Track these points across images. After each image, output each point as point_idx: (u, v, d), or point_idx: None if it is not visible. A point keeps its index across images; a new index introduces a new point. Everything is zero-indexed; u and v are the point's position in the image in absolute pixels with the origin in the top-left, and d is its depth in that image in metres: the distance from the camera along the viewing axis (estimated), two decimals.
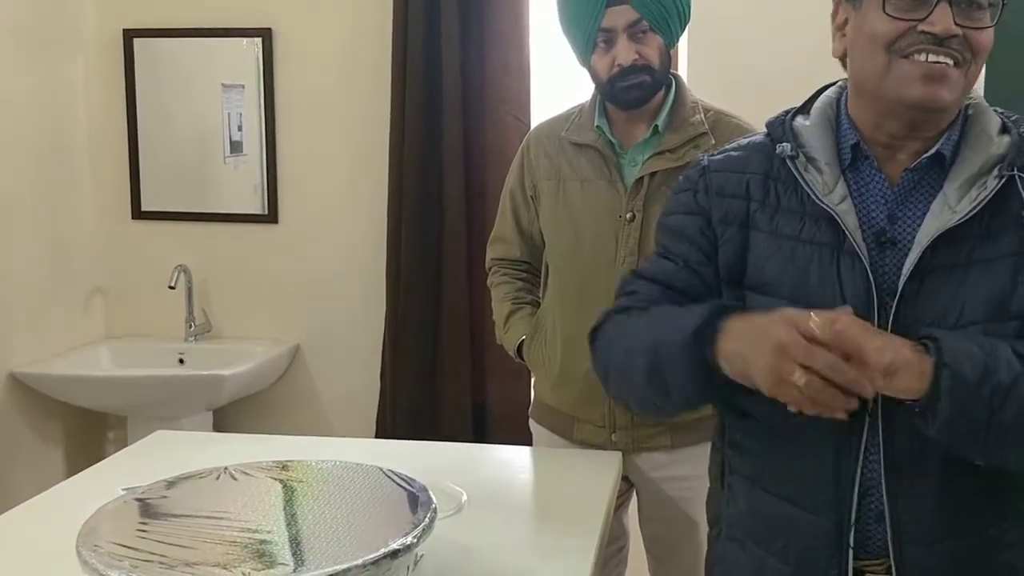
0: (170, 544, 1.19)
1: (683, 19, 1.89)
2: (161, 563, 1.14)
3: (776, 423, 1.21)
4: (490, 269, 2.19)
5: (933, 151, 1.19)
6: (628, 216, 1.88)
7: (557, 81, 2.94)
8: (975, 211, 1.14)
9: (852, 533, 1.19)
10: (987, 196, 1.15)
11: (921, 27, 1.12)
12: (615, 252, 1.90)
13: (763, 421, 1.25)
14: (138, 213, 3.23)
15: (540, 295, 2.10)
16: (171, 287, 3.08)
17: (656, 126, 1.90)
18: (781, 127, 1.28)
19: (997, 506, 1.19)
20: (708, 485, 1.95)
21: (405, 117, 2.91)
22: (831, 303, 1.16)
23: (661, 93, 1.91)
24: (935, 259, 1.15)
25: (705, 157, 1.37)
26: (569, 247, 1.96)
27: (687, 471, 1.96)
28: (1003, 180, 1.15)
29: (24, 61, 2.89)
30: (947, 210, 1.16)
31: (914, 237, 1.18)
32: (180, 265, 3.11)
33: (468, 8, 2.86)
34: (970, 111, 1.23)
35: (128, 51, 3.15)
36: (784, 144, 1.25)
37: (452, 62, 2.86)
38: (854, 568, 1.21)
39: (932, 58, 1.13)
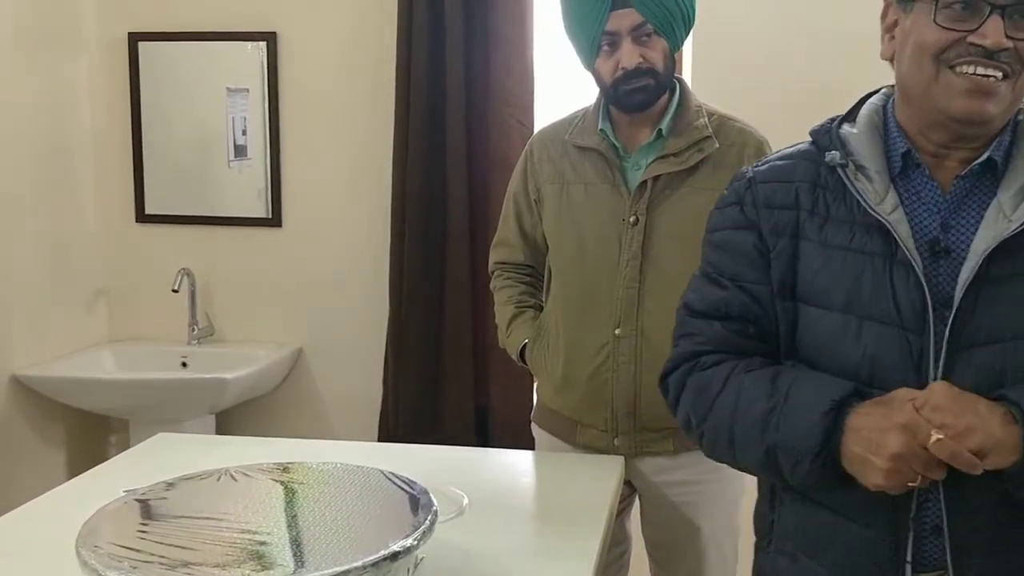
0: (170, 545, 1.18)
1: (688, 22, 1.89)
2: (161, 564, 1.13)
3: None
4: (493, 273, 2.19)
5: (984, 157, 1.17)
6: (631, 220, 1.88)
7: (561, 85, 2.94)
8: None
9: (910, 546, 1.18)
10: None
11: (971, 39, 1.10)
12: (618, 256, 1.89)
13: None
14: (142, 216, 3.23)
15: (543, 299, 2.10)
16: (174, 290, 3.08)
17: (660, 130, 1.90)
18: (828, 135, 1.26)
19: None
20: (710, 489, 1.97)
21: (409, 121, 2.91)
22: (885, 314, 1.15)
23: (665, 97, 1.91)
24: (991, 270, 1.13)
25: (749, 169, 1.34)
26: (572, 251, 1.96)
27: (690, 476, 1.96)
28: None
29: (29, 64, 2.90)
30: (1002, 219, 1.14)
31: (968, 246, 1.16)
32: (183, 268, 3.11)
33: (472, 11, 2.86)
34: (1020, 116, 1.21)
35: (133, 54, 3.15)
36: (833, 152, 1.22)
37: (456, 66, 2.86)
38: None
39: (980, 71, 1.11)
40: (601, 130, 1.92)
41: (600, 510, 1.65)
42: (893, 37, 1.21)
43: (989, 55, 1.10)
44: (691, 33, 2.67)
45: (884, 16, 1.23)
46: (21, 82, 2.87)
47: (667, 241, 1.87)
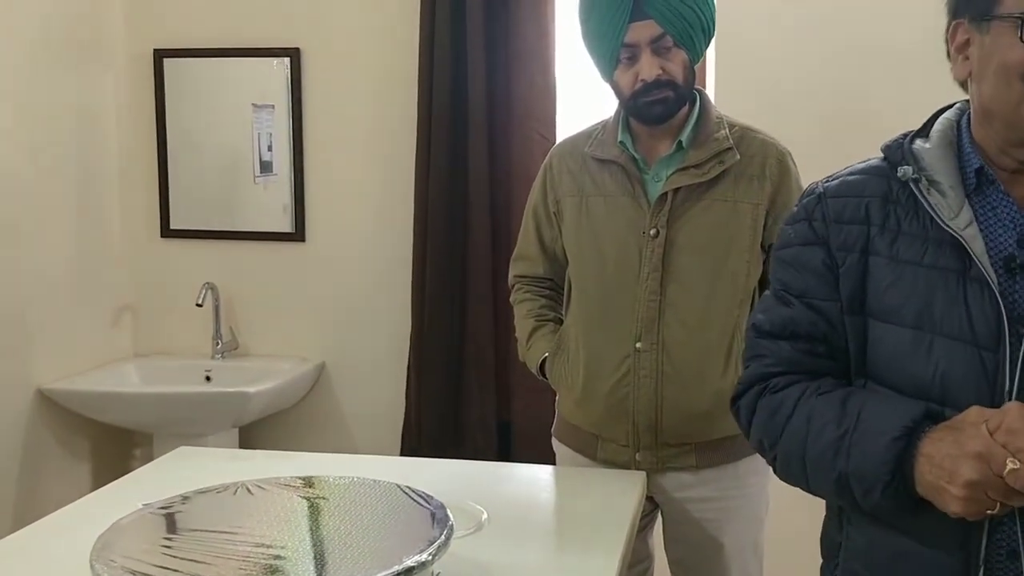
0: (184, 559, 1.18)
1: (707, 34, 1.88)
2: None
3: None
4: (513, 286, 2.18)
5: None
6: (652, 232, 1.86)
7: (583, 98, 2.94)
8: None
9: (982, 571, 1.15)
10: None
11: None
12: (639, 269, 1.88)
13: None
14: (167, 231, 3.26)
15: (563, 312, 2.08)
16: (198, 305, 3.09)
17: (680, 141, 1.88)
18: (900, 150, 1.24)
19: None
20: (734, 506, 1.94)
21: (431, 135, 2.91)
22: (958, 331, 1.13)
23: (685, 108, 1.90)
24: None
25: (820, 184, 1.33)
26: (592, 264, 1.94)
27: (713, 492, 1.93)
28: None
29: (55, 80, 2.94)
30: None
31: None
32: (208, 283, 3.13)
33: (494, 25, 2.87)
34: None
35: (158, 70, 3.19)
36: (906, 167, 1.21)
37: (478, 80, 2.86)
38: None
39: None
40: (621, 142, 1.91)
41: (621, 526, 1.63)
42: (967, 58, 1.17)
43: None
44: (715, 46, 2.68)
45: (952, 37, 1.19)
46: (47, 98, 2.90)
47: (688, 254, 1.85)
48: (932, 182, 1.19)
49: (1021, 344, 1.12)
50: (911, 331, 1.18)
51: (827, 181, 1.31)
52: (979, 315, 1.14)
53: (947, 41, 1.20)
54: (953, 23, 1.18)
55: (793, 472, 1.25)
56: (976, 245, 1.15)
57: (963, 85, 1.21)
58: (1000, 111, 1.14)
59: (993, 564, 1.15)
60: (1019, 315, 1.13)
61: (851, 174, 1.30)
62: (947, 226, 1.16)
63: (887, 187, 1.24)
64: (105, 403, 2.94)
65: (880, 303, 1.21)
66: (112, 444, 3.18)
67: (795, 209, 1.34)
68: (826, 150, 2.61)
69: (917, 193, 1.19)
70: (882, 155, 1.28)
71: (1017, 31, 1.09)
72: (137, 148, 3.23)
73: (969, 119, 1.22)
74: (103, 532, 1.25)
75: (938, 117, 1.28)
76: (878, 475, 1.12)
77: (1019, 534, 1.13)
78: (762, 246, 1.89)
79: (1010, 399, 1.11)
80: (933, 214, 1.17)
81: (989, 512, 1.06)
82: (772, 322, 1.30)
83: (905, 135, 1.28)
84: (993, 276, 1.13)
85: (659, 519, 2.05)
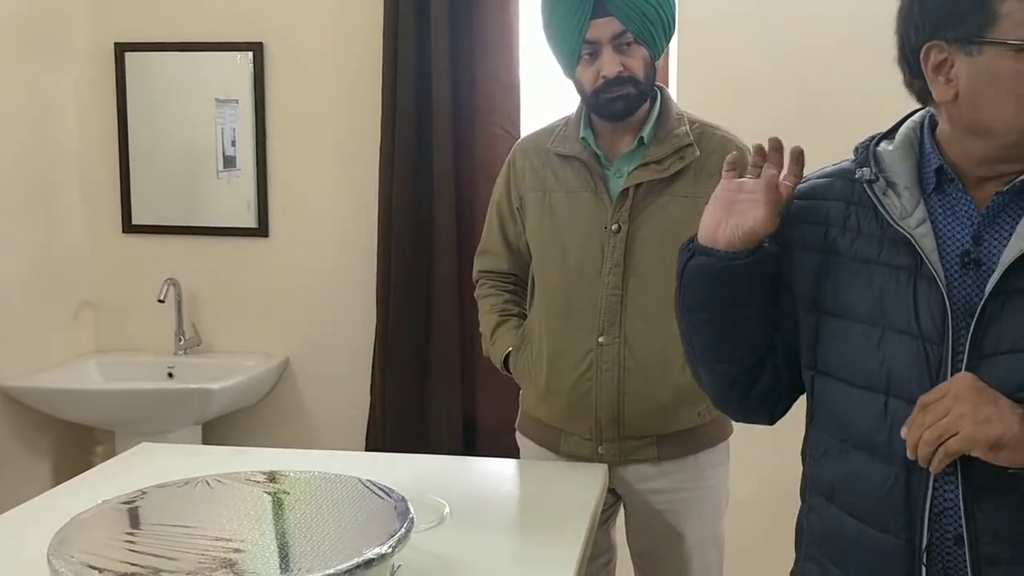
0: (143, 553, 1.18)
1: (668, 31, 1.89)
2: (133, 572, 1.13)
3: (851, 436, 1.23)
4: (477, 282, 2.19)
5: None
6: (614, 227, 1.88)
7: (546, 94, 2.95)
8: None
9: (925, 554, 1.18)
10: None
11: None
12: (601, 264, 1.89)
13: (836, 435, 1.26)
14: (129, 227, 3.22)
15: (527, 307, 2.10)
16: (160, 301, 3.07)
17: (641, 137, 1.90)
18: (865, 152, 1.28)
19: None
20: (694, 497, 1.97)
21: (395, 131, 2.91)
22: (906, 325, 1.18)
23: (646, 105, 1.91)
24: (1019, 280, 1.13)
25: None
26: (555, 259, 1.96)
27: (674, 483, 1.96)
28: None
29: (15, 74, 2.90)
30: None
31: (999, 257, 1.16)
32: (170, 279, 3.11)
33: (458, 22, 2.87)
34: None
35: (119, 65, 3.15)
36: (864, 169, 1.25)
37: (442, 76, 2.87)
38: None
39: None
40: (583, 138, 1.93)
41: (582, 518, 1.64)
42: (950, 79, 1.16)
43: None
44: (676, 43, 2.70)
45: (926, 57, 1.17)
46: (7, 92, 2.87)
47: (649, 249, 1.87)
48: (890, 183, 1.23)
49: (968, 337, 1.14)
50: (863, 326, 1.22)
51: (801, 183, 1.35)
52: (925, 310, 1.17)
53: (914, 60, 1.19)
54: (927, 44, 1.17)
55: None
56: (926, 243, 1.18)
57: (924, 100, 1.22)
58: (1005, 133, 1.14)
59: (942, 549, 1.17)
60: (966, 309, 1.16)
61: (820, 176, 1.35)
62: (898, 225, 1.19)
63: (851, 189, 1.28)
64: (66, 400, 2.92)
65: (836, 300, 1.26)
66: (74, 441, 3.15)
67: None
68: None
69: (871, 194, 1.23)
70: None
71: (1018, 56, 1.09)
72: (98, 143, 3.20)
73: (931, 121, 1.25)
74: (61, 527, 1.25)
75: (907, 120, 1.30)
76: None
77: (962, 520, 1.15)
78: None
79: None
80: (884, 214, 1.21)
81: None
82: None
83: (874, 136, 1.31)
84: (940, 272, 1.17)
85: (622, 511, 2.07)
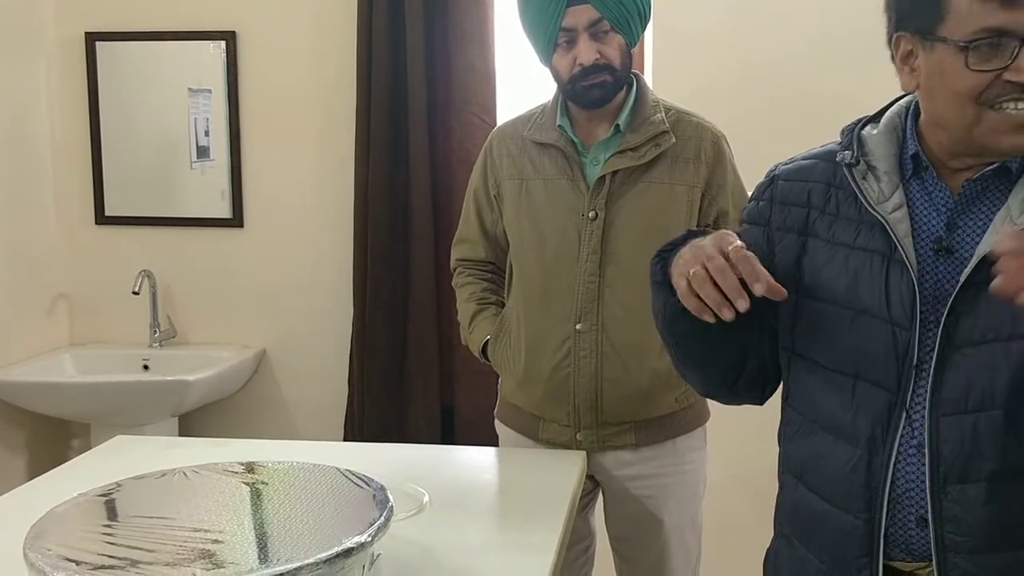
0: (120, 545, 1.17)
1: (643, 18, 1.90)
2: (110, 564, 1.12)
3: (819, 417, 1.25)
4: (455, 270, 2.18)
5: (996, 164, 1.18)
6: (591, 215, 1.88)
7: (522, 82, 2.94)
8: None
9: (883, 533, 1.19)
10: None
11: (1006, 76, 1.10)
12: (578, 251, 1.90)
13: (806, 415, 1.28)
14: (102, 218, 3.20)
15: (505, 295, 2.10)
16: (135, 293, 3.04)
17: (618, 125, 1.90)
18: (850, 135, 1.29)
19: None
20: (671, 482, 1.98)
21: (371, 120, 2.90)
22: (877, 308, 1.18)
23: (623, 92, 1.92)
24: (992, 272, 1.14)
25: (778, 166, 1.38)
26: (532, 246, 1.96)
27: (652, 469, 1.97)
28: None
29: None
30: (1008, 222, 1.15)
31: (975, 247, 1.17)
32: (144, 270, 3.08)
33: (433, 10, 2.86)
34: None
35: (90, 55, 3.12)
36: (846, 152, 1.26)
37: (417, 64, 2.85)
38: (905, 571, 1.21)
39: (1022, 106, 1.11)
40: (559, 126, 1.93)
41: (561, 505, 1.65)
42: (914, 69, 1.19)
43: None
44: (652, 31, 2.70)
45: (897, 46, 1.20)
46: None
47: (626, 236, 1.88)
48: (871, 167, 1.24)
49: (940, 324, 1.16)
50: (837, 308, 1.23)
51: (786, 163, 1.37)
52: (896, 294, 1.18)
53: (890, 47, 1.21)
54: (895, 34, 1.19)
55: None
56: (900, 228, 1.19)
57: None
58: (956, 129, 1.16)
59: (905, 529, 1.19)
60: (937, 296, 1.17)
61: (806, 158, 1.35)
62: (873, 210, 1.20)
63: (833, 171, 1.29)
64: (41, 394, 2.89)
65: (814, 282, 1.26)
66: (49, 435, 3.12)
67: (755, 188, 1.41)
68: (761, 133, 2.67)
69: (849, 178, 1.24)
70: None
71: (962, 57, 1.11)
72: (70, 134, 3.16)
73: (916, 107, 1.26)
74: (37, 520, 1.24)
75: (894, 104, 1.31)
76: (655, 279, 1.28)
77: (928, 503, 1.16)
78: (698, 227, 1.92)
79: (917, 374, 1.17)
80: (861, 198, 1.22)
81: (689, 271, 1.16)
82: None
83: (860, 120, 1.32)
84: (912, 258, 1.18)
85: (600, 497, 2.08)
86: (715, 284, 1.14)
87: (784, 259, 1.30)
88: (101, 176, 3.17)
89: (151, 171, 3.18)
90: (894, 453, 1.18)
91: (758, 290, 1.12)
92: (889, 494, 1.18)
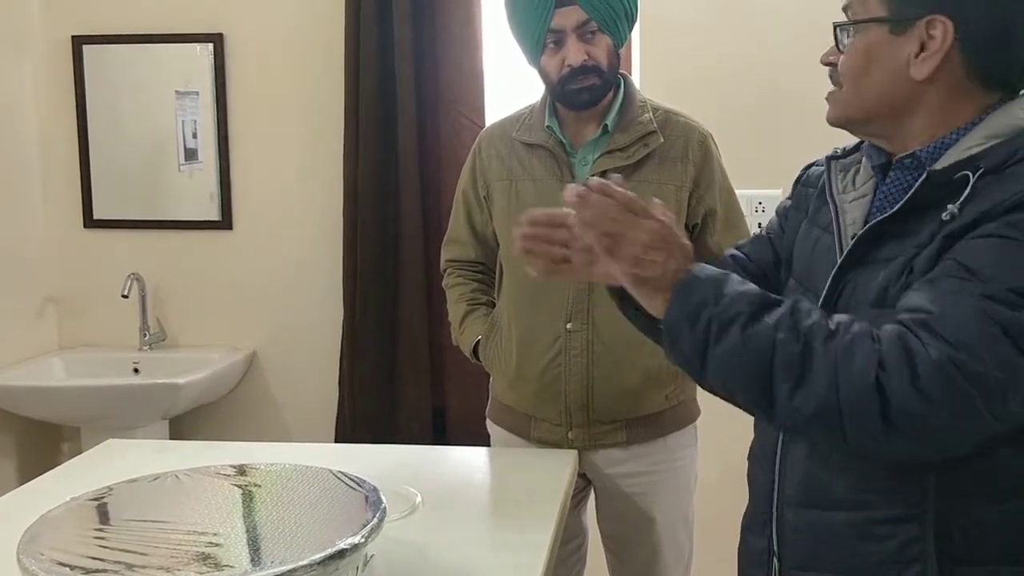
0: (114, 549, 1.17)
1: (631, 20, 1.91)
2: (104, 568, 1.12)
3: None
4: (445, 271, 2.19)
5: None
6: None
7: (510, 83, 2.95)
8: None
9: (776, 490, 1.26)
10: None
11: None
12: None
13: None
14: (90, 222, 3.18)
15: (495, 295, 2.10)
16: (124, 296, 3.04)
17: (606, 125, 1.91)
18: None
19: (864, 479, 1.15)
20: (662, 479, 1.99)
21: (359, 121, 2.90)
22: (819, 284, 1.22)
23: (610, 93, 1.92)
24: (866, 254, 1.20)
25: (839, 149, 1.39)
26: None
27: (643, 467, 1.98)
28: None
29: None
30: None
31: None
32: (133, 273, 3.07)
33: (421, 11, 2.86)
34: None
35: (77, 57, 3.11)
36: (839, 147, 1.32)
37: (405, 65, 2.85)
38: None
39: None
40: (548, 127, 1.93)
41: (553, 503, 1.66)
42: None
43: None
44: (639, 32, 2.71)
45: (928, 34, 1.12)
46: None
47: None
48: (868, 158, 1.27)
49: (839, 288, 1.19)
50: (796, 284, 1.31)
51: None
52: (824, 274, 1.22)
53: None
54: (928, 17, 1.12)
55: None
56: (849, 215, 1.23)
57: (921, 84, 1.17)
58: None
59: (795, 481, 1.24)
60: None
61: (847, 145, 1.37)
62: (830, 195, 1.26)
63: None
64: (30, 398, 2.88)
65: (790, 259, 1.36)
66: (39, 439, 3.11)
67: None
68: (749, 133, 2.68)
69: (826, 166, 1.29)
70: None
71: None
72: (58, 137, 3.15)
73: None
74: (30, 525, 1.24)
75: None
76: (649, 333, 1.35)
77: (776, 462, 1.25)
78: (687, 226, 1.93)
79: None
80: (827, 185, 1.27)
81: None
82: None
83: None
84: (845, 241, 1.21)
85: (592, 495, 2.09)
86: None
87: (789, 237, 1.38)
88: (89, 179, 3.16)
89: (139, 174, 3.17)
90: None
91: None
92: (779, 457, 1.25)
